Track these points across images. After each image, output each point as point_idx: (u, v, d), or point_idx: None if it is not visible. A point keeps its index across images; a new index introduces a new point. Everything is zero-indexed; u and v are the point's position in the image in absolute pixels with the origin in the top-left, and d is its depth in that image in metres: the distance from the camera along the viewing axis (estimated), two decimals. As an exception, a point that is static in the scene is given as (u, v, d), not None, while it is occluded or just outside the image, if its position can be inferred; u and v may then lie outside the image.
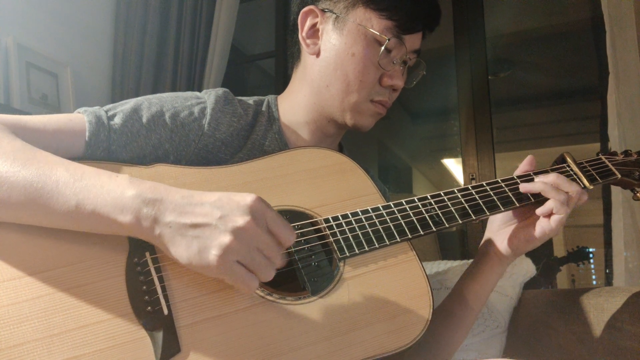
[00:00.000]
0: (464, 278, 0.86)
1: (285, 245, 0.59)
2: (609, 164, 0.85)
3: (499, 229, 0.85)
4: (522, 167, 0.84)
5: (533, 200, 0.78)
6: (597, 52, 1.93)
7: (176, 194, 0.57)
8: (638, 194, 0.86)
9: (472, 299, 0.84)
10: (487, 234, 0.87)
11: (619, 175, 0.84)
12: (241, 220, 0.55)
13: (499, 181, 0.80)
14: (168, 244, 0.56)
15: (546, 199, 0.78)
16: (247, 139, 0.85)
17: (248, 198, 0.57)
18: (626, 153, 0.89)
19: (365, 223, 0.72)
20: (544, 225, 0.76)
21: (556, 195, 0.75)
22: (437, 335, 0.85)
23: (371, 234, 0.71)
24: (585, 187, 0.80)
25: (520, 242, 0.80)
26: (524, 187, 0.78)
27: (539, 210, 0.77)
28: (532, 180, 0.80)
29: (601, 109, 1.70)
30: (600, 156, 0.87)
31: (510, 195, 0.78)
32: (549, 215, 0.76)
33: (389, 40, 0.81)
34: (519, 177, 0.81)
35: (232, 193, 0.58)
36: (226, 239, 0.55)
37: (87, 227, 0.58)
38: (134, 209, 0.55)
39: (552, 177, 0.77)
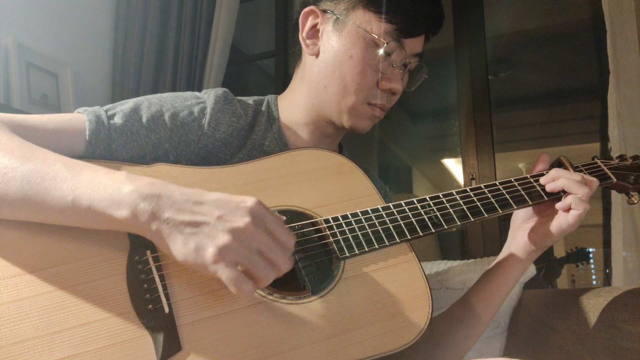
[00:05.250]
0: (485, 276, 0.86)
1: (287, 248, 0.59)
2: (605, 168, 0.86)
3: (519, 226, 0.85)
4: (538, 166, 0.85)
5: (530, 202, 0.79)
6: (598, 51, 1.93)
7: (175, 191, 0.57)
8: (633, 198, 0.88)
9: (492, 294, 0.84)
10: (510, 232, 0.88)
11: (615, 179, 0.85)
12: (240, 221, 0.55)
13: (497, 184, 0.81)
14: (165, 240, 0.56)
15: (544, 200, 0.79)
16: (246, 139, 0.85)
17: (249, 200, 0.57)
18: (621, 157, 0.90)
19: (365, 224, 0.72)
20: (562, 220, 0.77)
21: (579, 190, 0.76)
22: (452, 336, 0.84)
23: (371, 234, 0.71)
24: None
25: (538, 237, 0.80)
26: (549, 187, 0.79)
27: (558, 205, 0.77)
28: (538, 181, 0.81)
29: (601, 109, 1.70)
30: (596, 160, 0.88)
31: (508, 197, 0.79)
32: (567, 209, 0.76)
33: (387, 43, 0.80)
34: (532, 176, 0.82)
35: (233, 195, 0.58)
36: (224, 238, 0.54)
37: (84, 222, 0.58)
38: (130, 204, 0.55)
39: (579, 176, 0.78)
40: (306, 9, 0.87)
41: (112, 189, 0.56)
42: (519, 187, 0.80)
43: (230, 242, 0.54)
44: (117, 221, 0.56)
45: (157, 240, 0.57)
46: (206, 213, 0.56)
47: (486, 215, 0.76)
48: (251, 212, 0.56)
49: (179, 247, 0.55)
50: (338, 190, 0.77)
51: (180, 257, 0.55)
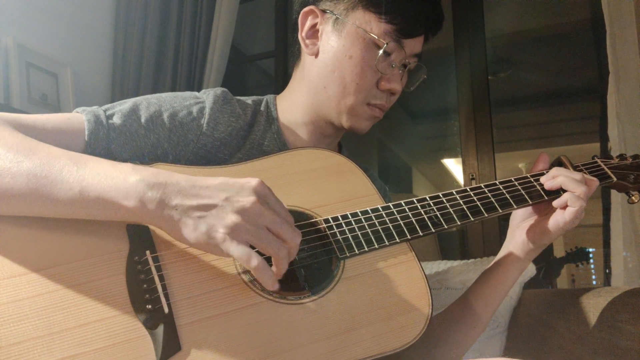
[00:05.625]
0: (484, 275, 0.86)
1: (291, 223, 0.60)
2: (605, 167, 0.86)
3: (518, 225, 0.86)
4: (538, 165, 0.85)
5: (531, 202, 0.79)
6: (597, 51, 1.93)
7: (179, 178, 0.58)
8: (633, 197, 0.88)
9: (491, 293, 0.84)
10: (509, 231, 0.88)
11: (615, 179, 0.85)
12: (246, 200, 0.57)
13: (497, 183, 0.81)
14: (176, 225, 0.57)
15: (544, 199, 0.79)
16: (245, 138, 0.85)
17: (252, 180, 0.59)
18: (621, 157, 0.90)
19: (365, 224, 0.72)
20: (558, 217, 0.77)
21: (577, 188, 0.76)
22: (451, 336, 0.84)
23: (371, 234, 0.71)
24: None
25: (536, 235, 0.81)
26: (548, 184, 0.79)
27: (555, 202, 0.78)
28: (538, 181, 0.81)
29: (601, 109, 1.70)
30: (596, 159, 0.88)
31: (508, 197, 0.79)
32: (564, 207, 0.77)
33: (387, 44, 0.80)
34: (532, 175, 0.82)
35: (235, 178, 0.60)
36: (232, 217, 0.56)
37: (92, 213, 0.59)
38: (138, 193, 0.56)
39: (578, 175, 0.79)
40: (306, 9, 0.87)
41: (119, 179, 0.57)
42: (519, 187, 0.80)
43: (239, 221, 0.56)
44: (126, 210, 0.57)
45: (167, 227, 0.58)
46: (212, 196, 0.57)
47: (486, 215, 0.76)
48: (256, 191, 0.58)
49: (190, 231, 0.56)
50: (338, 190, 0.77)
51: (193, 241, 0.57)
